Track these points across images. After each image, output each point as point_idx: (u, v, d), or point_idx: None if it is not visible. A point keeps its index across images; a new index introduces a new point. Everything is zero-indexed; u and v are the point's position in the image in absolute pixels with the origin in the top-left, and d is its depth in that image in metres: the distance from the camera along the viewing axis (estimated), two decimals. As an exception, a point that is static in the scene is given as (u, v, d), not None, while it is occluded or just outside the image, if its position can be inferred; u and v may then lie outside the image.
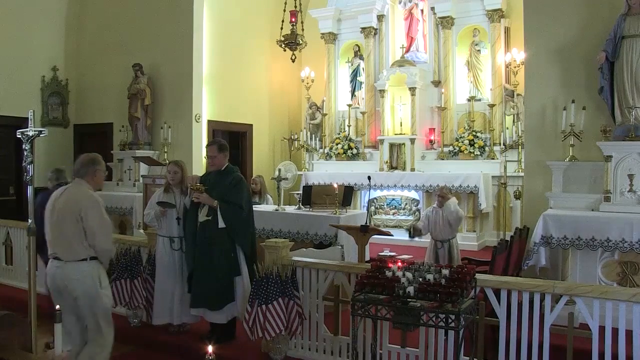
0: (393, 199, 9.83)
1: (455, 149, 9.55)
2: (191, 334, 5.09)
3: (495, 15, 9.44)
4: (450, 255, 6.20)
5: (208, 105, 9.96)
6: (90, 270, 3.70)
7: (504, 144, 9.01)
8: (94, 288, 3.71)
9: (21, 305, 4.70)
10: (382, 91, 10.04)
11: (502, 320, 3.84)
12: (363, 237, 5.55)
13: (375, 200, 9.89)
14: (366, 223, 5.71)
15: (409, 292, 3.30)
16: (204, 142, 9.45)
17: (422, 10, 10.49)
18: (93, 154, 3.97)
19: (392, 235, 6.43)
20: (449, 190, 6.51)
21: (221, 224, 4.69)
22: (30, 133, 3.16)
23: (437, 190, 6.50)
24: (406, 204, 9.71)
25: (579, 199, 5.61)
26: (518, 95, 9.02)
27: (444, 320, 3.21)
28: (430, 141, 10.03)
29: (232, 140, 10.75)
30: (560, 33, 6.05)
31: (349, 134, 10.76)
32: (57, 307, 2.31)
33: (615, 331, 3.49)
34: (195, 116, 9.50)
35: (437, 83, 10.07)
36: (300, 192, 7.32)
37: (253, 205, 5.33)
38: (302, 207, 6.98)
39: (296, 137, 11.42)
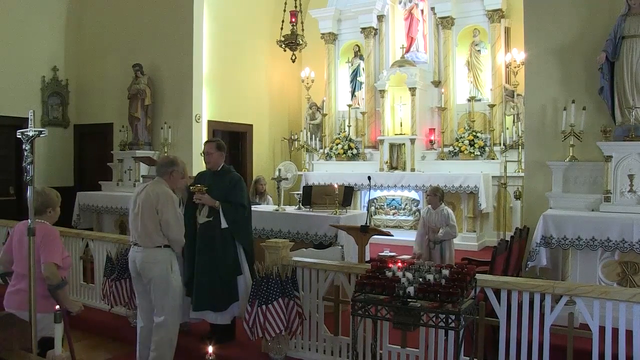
0: (393, 199, 9.83)
1: (455, 149, 9.55)
2: (191, 334, 5.09)
3: (495, 15, 9.44)
4: (442, 256, 6.19)
5: (208, 106, 9.96)
6: (163, 256, 4.23)
7: (504, 144, 9.01)
8: (165, 272, 4.22)
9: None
10: (382, 91, 10.04)
11: (502, 321, 3.84)
12: (363, 237, 5.54)
13: (375, 200, 9.89)
14: (366, 223, 5.71)
15: (409, 292, 3.30)
16: (204, 142, 9.44)
17: (422, 11, 10.49)
18: (172, 157, 4.55)
19: (392, 236, 6.42)
20: (441, 190, 6.47)
21: (224, 224, 4.69)
22: (30, 133, 3.15)
23: (428, 191, 6.49)
24: (406, 204, 9.71)
25: (579, 199, 5.61)
26: (518, 95, 9.02)
27: (444, 320, 3.21)
28: (431, 141, 10.03)
29: (232, 140, 10.76)
30: (560, 33, 6.05)
31: (349, 134, 10.76)
32: (57, 307, 2.31)
33: (615, 331, 3.49)
34: (195, 116, 9.50)
35: (437, 83, 10.07)
36: (300, 192, 7.32)
37: (253, 206, 5.34)
38: (302, 207, 6.98)
39: (296, 137, 11.42)
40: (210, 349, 2.10)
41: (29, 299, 3.05)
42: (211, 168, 4.92)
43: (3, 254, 3.85)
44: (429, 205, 6.42)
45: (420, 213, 9.10)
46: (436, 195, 6.30)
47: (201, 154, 5.29)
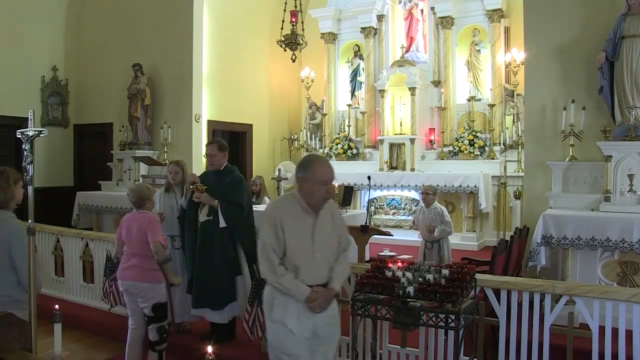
0: (393, 199, 9.84)
1: (455, 149, 9.55)
2: (191, 334, 5.09)
3: (495, 15, 9.45)
4: (439, 256, 6.18)
5: (208, 105, 9.96)
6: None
7: (503, 144, 9.02)
8: None
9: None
10: (382, 91, 10.04)
11: (502, 320, 3.84)
12: (363, 237, 5.55)
13: (375, 200, 9.89)
14: (366, 223, 5.72)
15: (408, 292, 3.30)
16: (204, 142, 9.45)
17: (422, 10, 10.50)
18: (312, 155, 3.69)
19: (392, 235, 6.44)
20: (434, 189, 6.47)
21: (222, 224, 4.69)
22: (30, 133, 3.14)
23: (423, 189, 6.49)
24: (406, 204, 9.72)
25: (579, 199, 5.61)
26: (518, 95, 9.03)
27: (444, 320, 3.21)
28: (430, 141, 10.03)
29: (232, 140, 10.76)
30: (560, 33, 6.05)
31: (348, 134, 10.77)
32: (57, 307, 2.31)
33: (615, 331, 3.49)
34: (195, 116, 9.49)
35: (437, 83, 10.08)
36: (300, 192, 7.30)
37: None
38: (302, 207, 6.97)
39: (296, 137, 11.42)
40: (209, 348, 2.10)
41: (29, 299, 3.05)
42: (214, 168, 4.92)
43: (117, 244, 4.51)
44: (422, 204, 6.41)
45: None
46: (433, 194, 6.31)
47: (204, 155, 5.28)
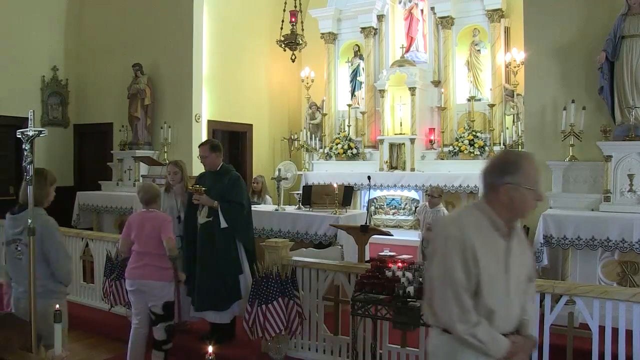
0: (393, 199, 9.83)
1: (455, 149, 9.55)
2: (191, 334, 5.09)
3: (495, 15, 9.44)
4: None
5: (208, 105, 9.95)
6: None
7: (504, 144, 9.01)
8: None
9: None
10: (382, 91, 10.04)
11: (502, 320, 3.82)
12: (363, 237, 5.55)
13: (375, 200, 9.89)
14: (366, 223, 5.72)
15: (409, 292, 3.30)
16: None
17: (422, 10, 10.48)
18: (513, 152, 2.96)
19: (392, 235, 6.43)
20: (440, 190, 6.50)
21: (223, 224, 4.69)
22: (30, 133, 3.15)
23: (428, 190, 6.52)
24: (406, 204, 9.71)
25: (579, 199, 5.61)
26: (518, 95, 9.02)
27: (444, 320, 3.20)
28: (430, 141, 10.02)
29: (232, 140, 10.76)
30: (560, 33, 6.05)
31: (348, 134, 10.76)
32: (57, 306, 2.31)
33: (615, 331, 3.50)
34: (195, 116, 9.50)
35: (437, 83, 10.07)
36: (300, 192, 7.32)
37: (252, 206, 5.34)
38: (302, 207, 6.98)
39: (296, 137, 11.42)
40: (210, 348, 2.10)
41: (29, 300, 3.05)
42: (210, 169, 4.92)
43: (123, 243, 4.50)
44: (426, 203, 6.44)
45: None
46: (438, 197, 6.33)
47: (198, 157, 5.27)
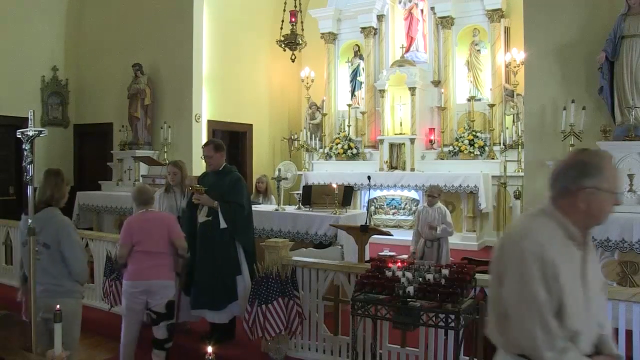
0: (393, 199, 9.84)
1: (455, 148, 9.55)
2: (191, 334, 5.09)
3: (495, 15, 9.44)
4: (438, 255, 6.18)
5: (208, 105, 9.96)
6: None
7: (503, 144, 9.02)
8: None
9: (21, 305, 4.69)
10: (382, 91, 10.04)
11: (502, 320, 3.82)
12: (363, 237, 5.54)
13: (375, 200, 9.89)
14: (366, 223, 5.71)
15: (408, 292, 3.30)
16: (204, 142, 9.44)
17: (422, 10, 10.49)
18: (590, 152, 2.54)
19: (392, 235, 6.43)
20: (440, 189, 6.51)
21: (223, 224, 4.68)
22: (30, 133, 3.15)
23: (427, 190, 6.51)
24: (406, 203, 9.72)
25: (579, 199, 5.60)
26: (518, 95, 9.03)
27: (444, 320, 3.21)
28: (430, 141, 10.03)
29: (232, 140, 10.76)
30: (560, 33, 6.05)
31: (348, 134, 10.77)
32: (58, 306, 2.31)
33: (615, 331, 3.49)
34: (195, 116, 9.50)
35: (437, 83, 10.08)
36: (300, 192, 7.31)
37: (255, 206, 5.33)
38: (302, 207, 6.98)
39: (296, 137, 11.42)
40: (209, 348, 2.10)
41: (29, 300, 3.05)
42: (213, 169, 4.92)
43: (122, 248, 4.34)
44: (425, 203, 6.44)
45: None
46: (437, 196, 6.33)
47: (201, 157, 5.27)
